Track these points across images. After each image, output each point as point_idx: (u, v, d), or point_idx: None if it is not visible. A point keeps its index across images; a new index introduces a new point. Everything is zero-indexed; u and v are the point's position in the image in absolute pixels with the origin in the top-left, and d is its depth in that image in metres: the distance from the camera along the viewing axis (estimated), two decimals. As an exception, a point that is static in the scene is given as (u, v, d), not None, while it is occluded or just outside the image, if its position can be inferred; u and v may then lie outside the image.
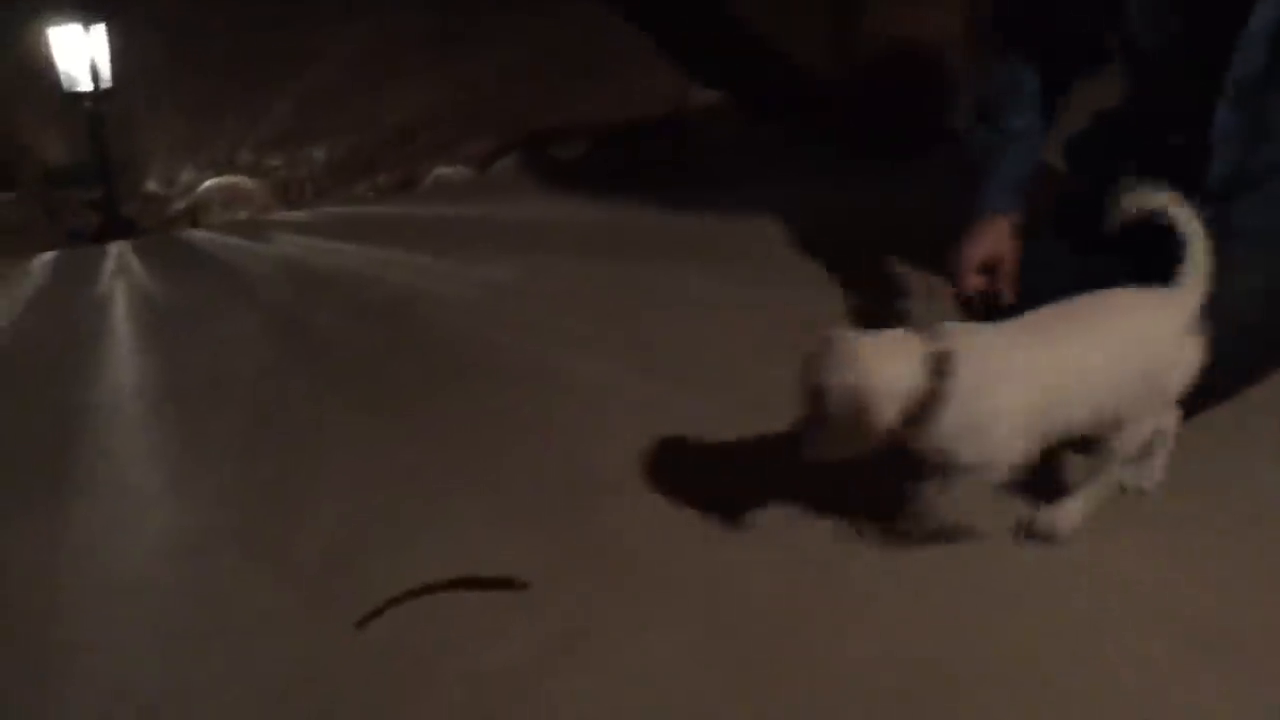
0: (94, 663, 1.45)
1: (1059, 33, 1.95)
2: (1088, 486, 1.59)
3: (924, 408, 1.41)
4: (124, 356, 2.23)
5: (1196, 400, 1.77)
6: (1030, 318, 1.53)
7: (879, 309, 2.17)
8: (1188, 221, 1.57)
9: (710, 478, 1.74)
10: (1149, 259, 1.84)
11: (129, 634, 1.50)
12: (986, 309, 1.86)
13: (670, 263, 2.45)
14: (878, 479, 1.63)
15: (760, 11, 3.89)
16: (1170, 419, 1.63)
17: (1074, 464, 1.67)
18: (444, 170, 3.09)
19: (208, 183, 3.10)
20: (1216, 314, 1.74)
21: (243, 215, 2.94)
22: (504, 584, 1.54)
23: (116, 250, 2.71)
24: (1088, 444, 1.58)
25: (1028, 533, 1.61)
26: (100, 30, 3.09)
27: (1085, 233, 1.95)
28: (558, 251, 2.55)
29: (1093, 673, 1.38)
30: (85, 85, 3.04)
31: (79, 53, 3.05)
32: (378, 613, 1.51)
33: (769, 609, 1.49)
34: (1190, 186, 1.76)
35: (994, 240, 1.96)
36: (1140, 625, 1.45)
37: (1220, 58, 1.77)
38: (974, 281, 1.92)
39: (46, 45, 3.06)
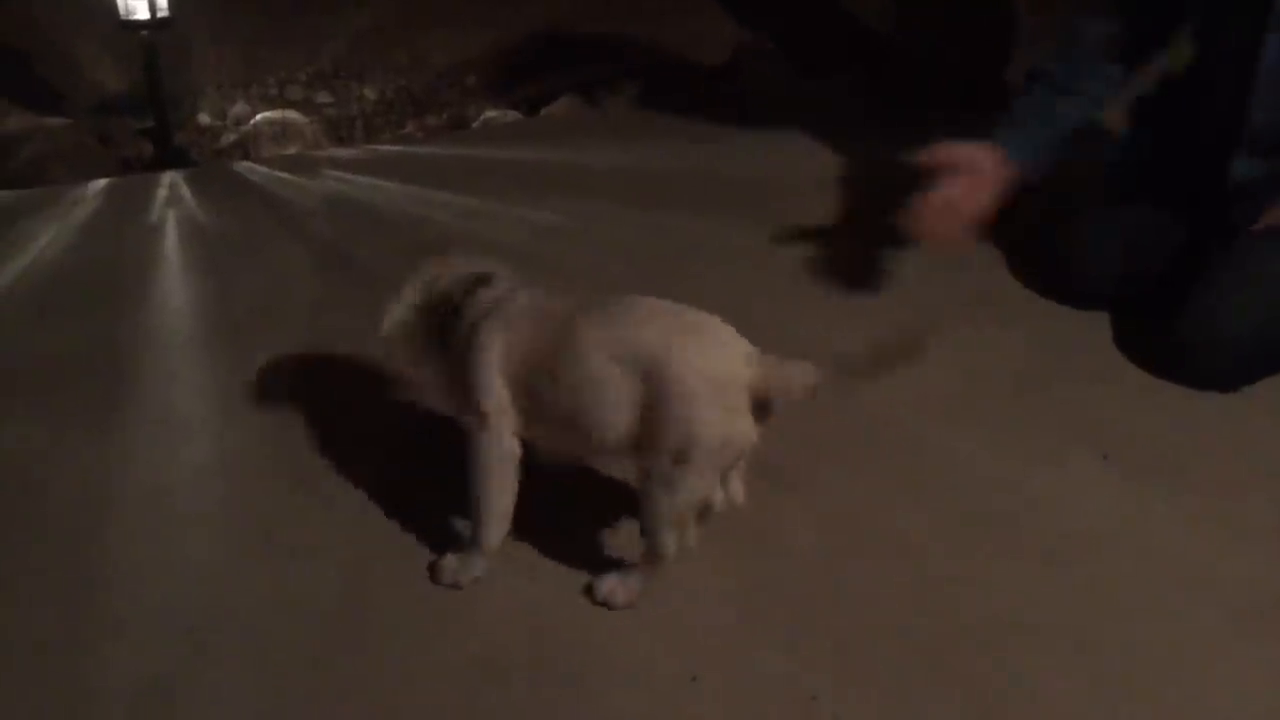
0: (140, 583, 1.48)
1: None
2: None
3: None
4: (175, 284, 2.25)
5: (1264, 365, 1.77)
6: None
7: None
8: None
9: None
10: (1204, 220, 1.83)
11: (175, 556, 1.53)
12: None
13: (717, 212, 2.44)
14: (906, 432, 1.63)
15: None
16: None
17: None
18: (493, 113, 3.08)
19: (259, 116, 3.11)
20: (1266, 289, 1.73)
21: (293, 150, 2.95)
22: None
23: (169, 179, 2.73)
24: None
25: None
26: (157, -40, 3.09)
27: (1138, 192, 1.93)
28: (603, 197, 2.54)
29: (1134, 640, 1.37)
30: (142, 14, 3.05)
31: (136, -18, 3.05)
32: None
33: (808, 564, 1.50)
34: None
35: (987, 161, 1.91)
36: (1184, 593, 1.44)
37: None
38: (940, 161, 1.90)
39: (105, -27, 3.07)
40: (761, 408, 1.32)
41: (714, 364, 1.30)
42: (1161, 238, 1.95)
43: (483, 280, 1.47)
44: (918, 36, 3.02)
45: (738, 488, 1.47)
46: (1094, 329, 1.96)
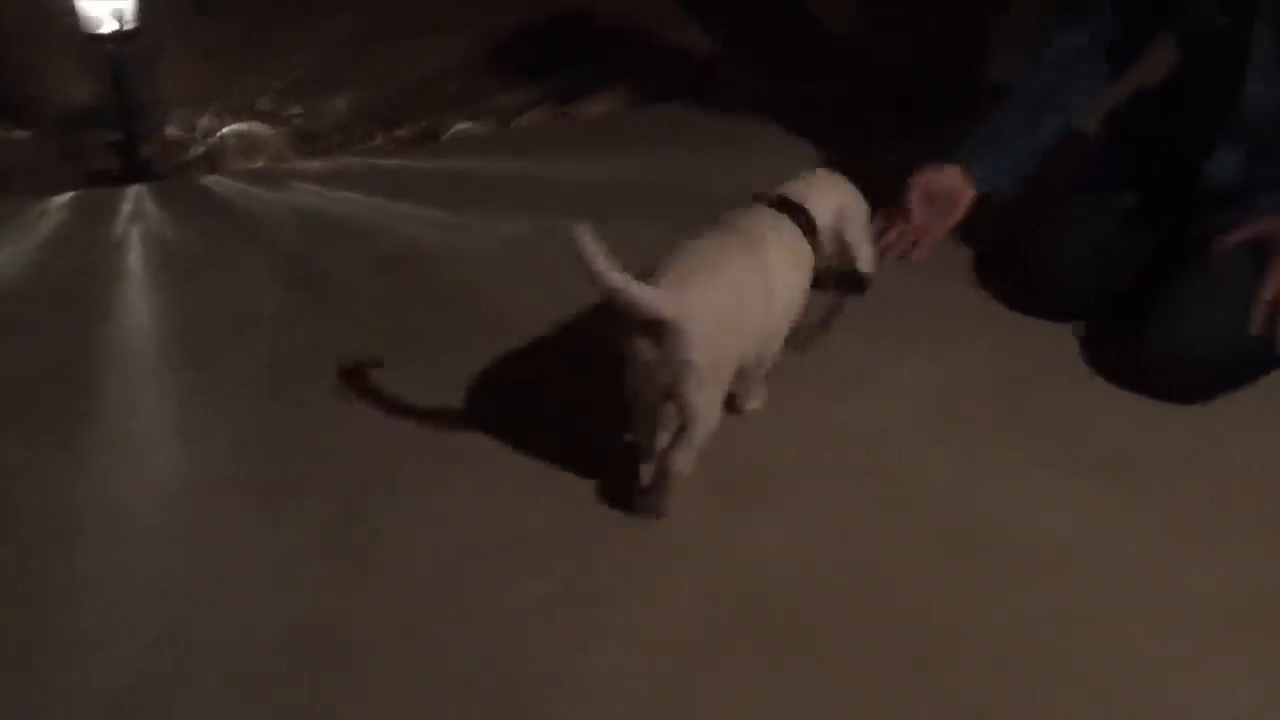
0: (107, 600, 1.47)
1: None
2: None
3: None
4: (139, 298, 2.22)
5: (1227, 381, 1.78)
6: None
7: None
8: None
9: (725, 438, 1.73)
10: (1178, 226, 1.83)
11: (142, 573, 1.52)
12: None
13: (693, 223, 2.41)
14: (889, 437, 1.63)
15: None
16: None
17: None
18: (466, 124, 3.06)
19: (226, 129, 3.07)
20: (1229, 304, 1.75)
21: (261, 163, 2.91)
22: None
23: (134, 193, 2.70)
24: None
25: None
26: (125, -30, 3.06)
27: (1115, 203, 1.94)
28: (577, 209, 2.47)
29: (1104, 654, 1.38)
30: (109, 26, 3.02)
31: (103, -7, 3.02)
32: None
33: (785, 574, 1.50)
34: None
35: (954, 184, 1.94)
36: (1152, 606, 1.45)
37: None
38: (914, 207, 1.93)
39: (70, -16, 3.03)
40: None
41: None
42: (1130, 250, 1.95)
43: None
44: (891, 43, 3.02)
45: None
46: (1062, 340, 1.96)
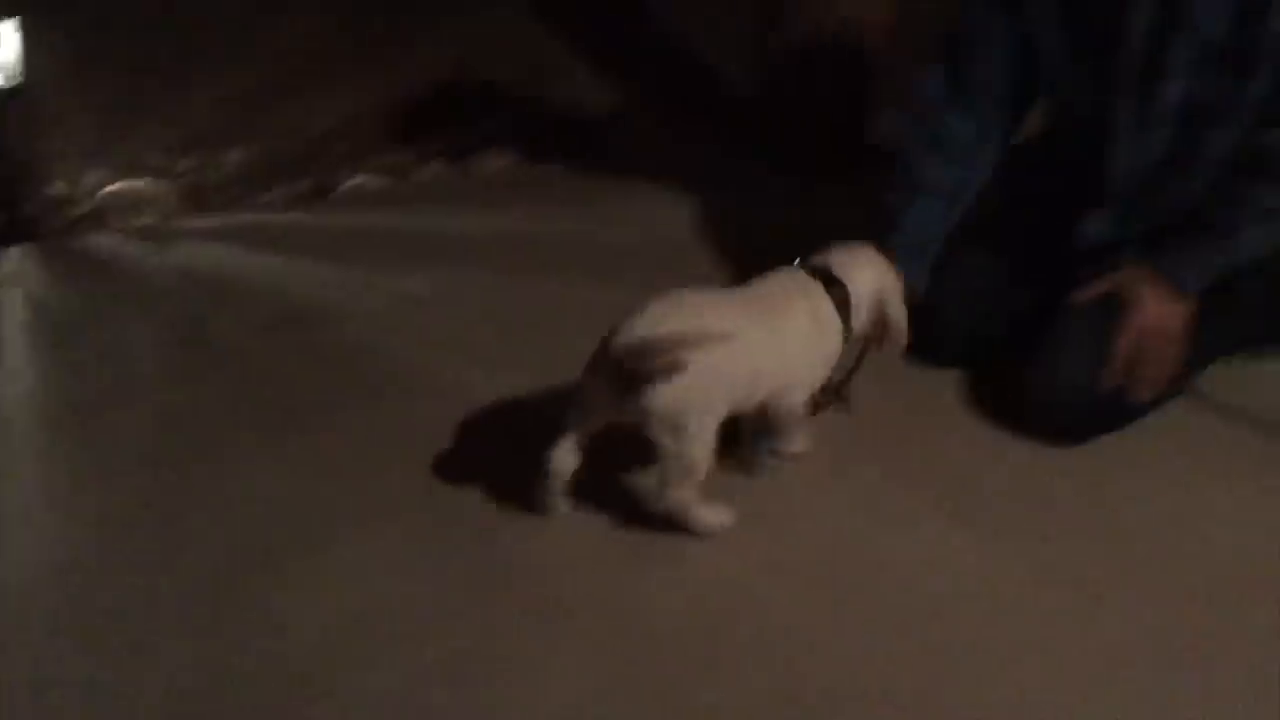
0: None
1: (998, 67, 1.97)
2: None
3: None
4: (17, 366, 2.15)
5: (1101, 424, 1.84)
6: None
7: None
8: None
9: (620, 498, 1.73)
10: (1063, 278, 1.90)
11: (21, 659, 1.46)
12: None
13: (589, 277, 2.44)
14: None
15: (686, 23, 3.91)
16: None
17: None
18: (360, 179, 3.04)
19: (112, 186, 3.00)
20: (1103, 348, 1.82)
21: (148, 220, 2.85)
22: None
23: (16, 254, 2.63)
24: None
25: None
26: (9, 26, 2.99)
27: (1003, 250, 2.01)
28: (473, 264, 2.52)
29: (984, 703, 1.39)
30: (-11, 82, 2.94)
31: (-17, 48, 2.94)
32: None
33: (679, 631, 1.49)
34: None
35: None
36: (1033, 651, 1.47)
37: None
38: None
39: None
40: None
41: None
42: (1011, 300, 2.01)
43: None
44: (784, 97, 3.09)
45: None
46: (946, 388, 2.01)
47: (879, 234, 1.90)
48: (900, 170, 2.03)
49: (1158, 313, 1.80)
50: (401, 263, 2.51)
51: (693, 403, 1.53)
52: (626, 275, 2.44)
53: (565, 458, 1.63)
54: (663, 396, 1.51)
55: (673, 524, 1.62)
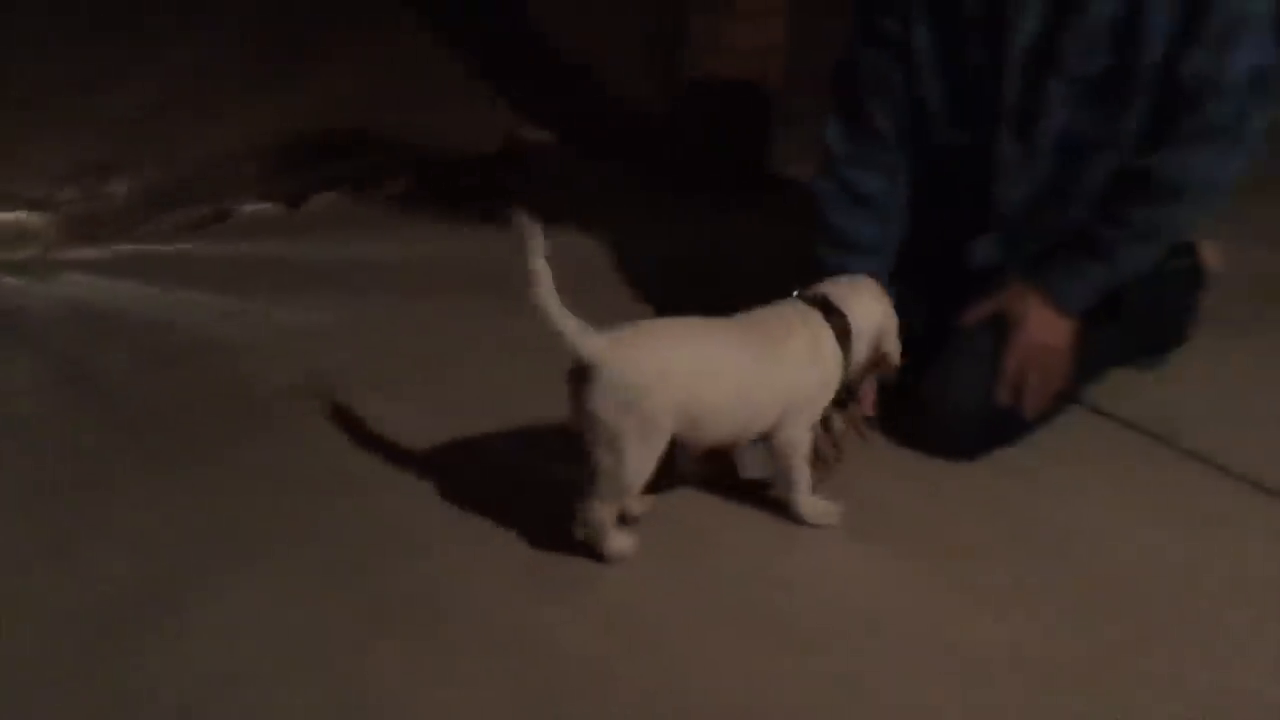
0: None
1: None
2: None
3: None
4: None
5: (997, 437, 1.88)
6: None
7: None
8: None
9: (523, 527, 1.71)
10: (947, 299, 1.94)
11: None
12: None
13: (490, 303, 2.40)
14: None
15: (588, 48, 3.92)
16: None
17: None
18: (255, 206, 2.96)
19: (-9, 218, 2.89)
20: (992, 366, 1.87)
21: (30, 253, 2.74)
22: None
23: (-114, 291, 2.50)
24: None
25: None
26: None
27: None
28: (373, 292, 2.47)
29: (885, 716, 1.40)
30: None
31: None
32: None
33: (580, 660, 1.47)
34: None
35: None
36: (935, 665, 1.48)
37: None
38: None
39: None
40: None
41: None
42: (904, 318, 2.04)
43: None
44: (685, 122, 3.12)
45: None
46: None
47: None
48: (824, 227, 2.05)
49: (1042, 331, 1.86)
50: (297, 292, 2.45)
51: (629, 425, 1.53)
52: (527, 301, 2.41)
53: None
54: (603, 412, 1.52)
55: (575, 551, 1.61)
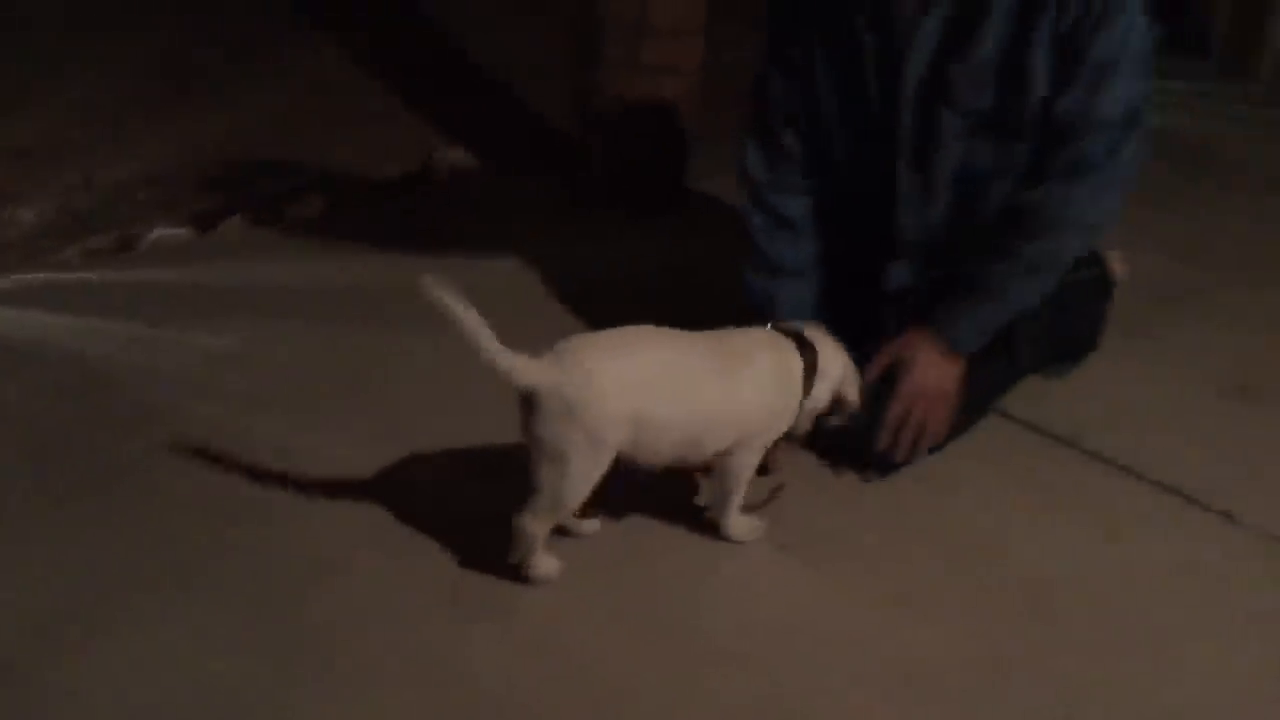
0: None
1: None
2: None
3: None
4: None
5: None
6: None
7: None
8: None
9: (442, 551, 1.69)
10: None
11: None
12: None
13: (409, 327, 2.36)
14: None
15: (506, 68, 3.92)
16: None
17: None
18: (164, 231, 2.89)
19: (-116, 249, 2.78)
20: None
21: (-73, 284, 2.65)
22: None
23: None
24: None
25: None
26: None
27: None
28: (287, 317, 2.43)
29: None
30: None
31: None
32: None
33: (496, 688, 1.46)
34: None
35: None
36: (859, 674, 1.49)
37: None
38: None
39: None
40: None
41: None
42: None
43: None
44: (603, 141, 3.12)
45: None
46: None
47: (757, 315, 1.89)
48: (753, 252, 2.08)
49: (929, 375, 1.89)
50: (207, 318, 2.40)
51: (574, 438, 1.51)
52: (447, 322, 2.39)
53: None
54: (548, 430, 1.51)
55: (496, 575, 1.59)
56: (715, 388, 1.60)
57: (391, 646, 1.52)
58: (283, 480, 1.84)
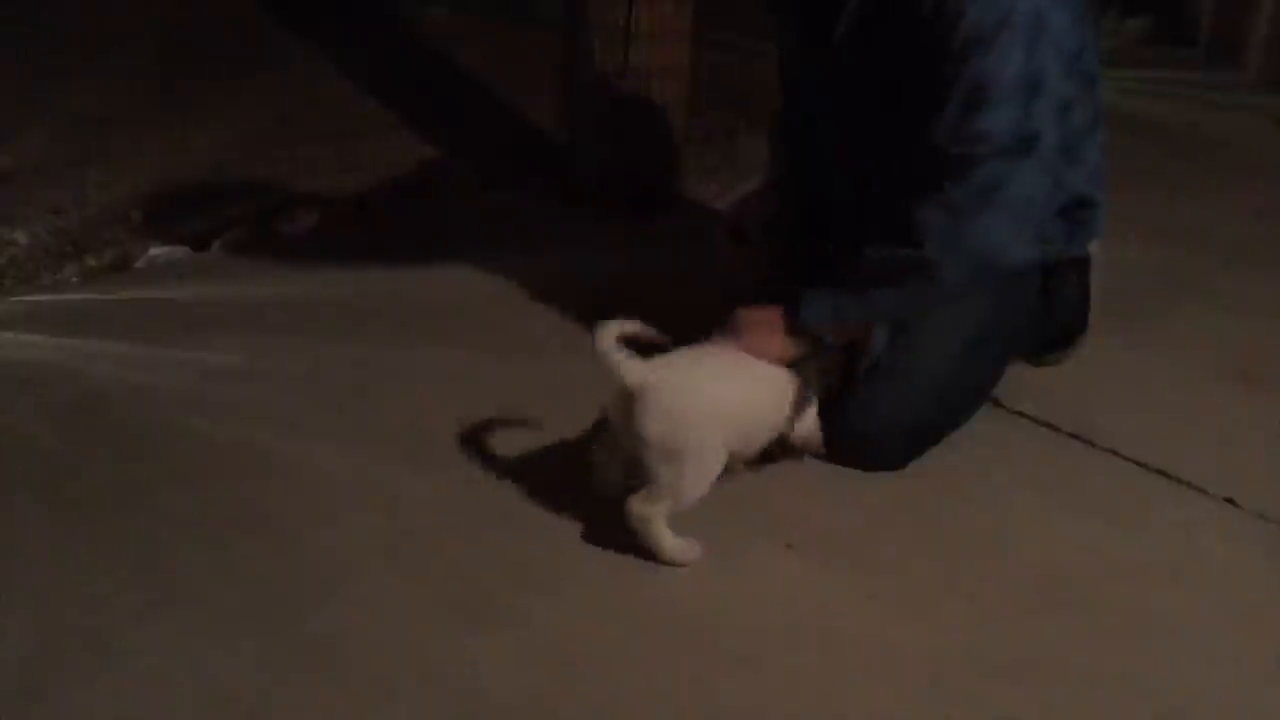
0: None
1: None
2: None
3: None
4: None
5: (909, 451, 1.91)
6: None
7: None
8: None
9: (448, 561, 1.69)
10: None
11: None
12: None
13: (405, 338, 2.39)
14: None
15: (493, 77, 3.92)
16: None
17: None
18: (159, 250, 2.89)
19: (-120, 276, 2.77)
20: (915, 381, 1.89)
21: (-78, 308, 2.64)
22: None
23: None
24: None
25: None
26: None
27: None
28: (283, 332, 2.43)
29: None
30: None
31: None
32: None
33: (505, 698, 1.45)
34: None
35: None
36: (867, 674, 1.49)
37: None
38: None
39: None
40: None
41: None
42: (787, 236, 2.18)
43: None
44: (591, 147, 3.13)
45: None
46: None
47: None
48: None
49: (754, 337, 1.81)
50: (207, 335, 2.40)
51: (688, 438, 1.63)
52: (443, 333, 2.40)
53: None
54: (653, 420, 1.62)
55: (502, 584, 1.59)
56: (768, 387, 1.81)
57: (398, 659, 1.51)
58: (284, 495, 1.84)
